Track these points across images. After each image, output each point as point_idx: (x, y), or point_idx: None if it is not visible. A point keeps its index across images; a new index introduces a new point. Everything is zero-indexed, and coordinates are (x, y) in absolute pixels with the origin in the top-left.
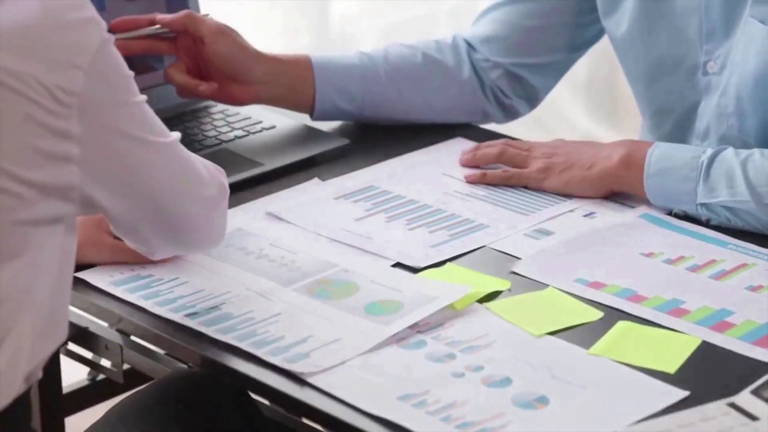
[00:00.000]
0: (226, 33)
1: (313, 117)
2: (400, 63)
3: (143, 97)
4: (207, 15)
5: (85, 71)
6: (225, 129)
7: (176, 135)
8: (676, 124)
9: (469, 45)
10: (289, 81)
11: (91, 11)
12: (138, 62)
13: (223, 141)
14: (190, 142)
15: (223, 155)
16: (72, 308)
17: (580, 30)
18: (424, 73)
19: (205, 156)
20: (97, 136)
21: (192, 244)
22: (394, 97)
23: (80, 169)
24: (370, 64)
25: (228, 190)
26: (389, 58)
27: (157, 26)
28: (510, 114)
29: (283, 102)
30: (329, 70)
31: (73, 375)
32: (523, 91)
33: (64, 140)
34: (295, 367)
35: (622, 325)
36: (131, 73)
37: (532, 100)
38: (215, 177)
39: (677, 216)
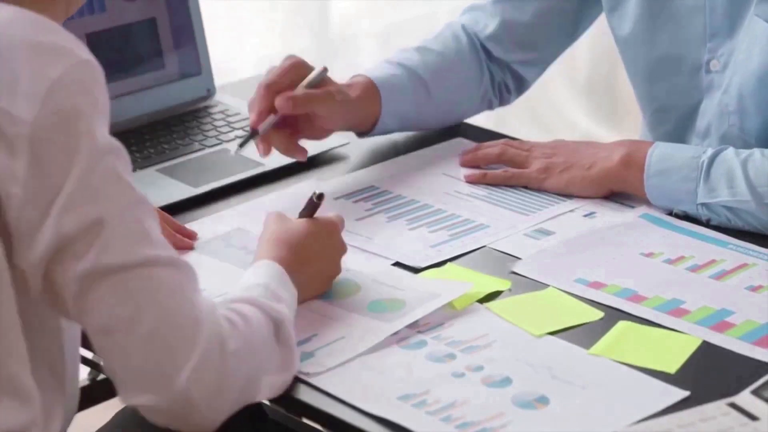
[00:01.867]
0: (337, 103)
1: (359, 137)
2: (440, 80)
3: (114, 146)
4: (324, 71)
5: (42, 102)
6: (225, 129)
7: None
8: (677, 123)
9: (480, 43)
10: (365, 116)
11: (62, 39)
12: (136, 62)
13: (223, 141)
14: (190, 142)
15: (223, 155)
16: None
17: (579, 21)
18: (459, 86)
19: (205, 156)
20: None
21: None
22: (434, 113)
23: (19, 216)
24: (420, 84)
25: (235, 351)
26: (432, 71)
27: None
28: (500, 105)
29: (344, 130)
30: (393, 100)
31: None
32: (518, 84)
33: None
34: (300, 367)
35: (622, 325)
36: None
37: (522, 90)
38: (214, 325)
39: (677, 216)
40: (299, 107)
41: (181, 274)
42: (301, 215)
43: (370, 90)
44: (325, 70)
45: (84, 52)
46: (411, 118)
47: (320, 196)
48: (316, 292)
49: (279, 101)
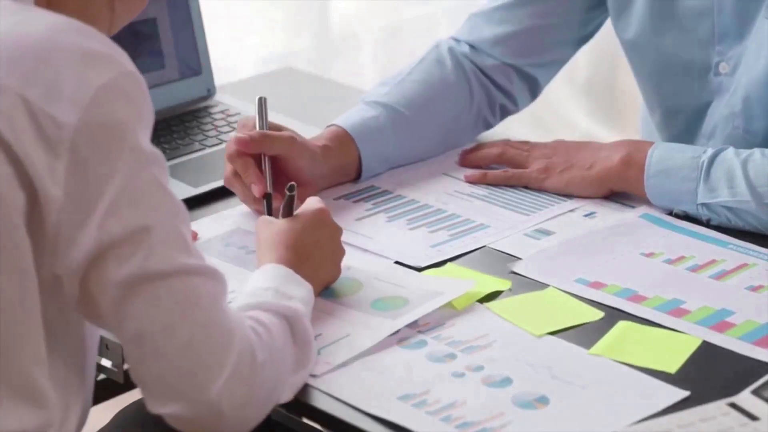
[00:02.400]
0: (298, 143)
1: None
2: (424, 112)
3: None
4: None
5: (85, 108)
6: (225, 129)
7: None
8: (686, 124)
9: (475, 51)
10: (341, 165)
11: (110, 48)
12: (137, 62)
13: (223, 141)
14: (190, 142)
15: (223, 155)
16: None
17: (587, 24)
18: (445, 114)
19: (205, 156)
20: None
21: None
22: (422, 147)
23: (59, 218)
24: (401, 121)
25: (263, 362)
26: (413, 104)
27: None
28: (502, 119)
29: (330, 184)
30: (371, 142)
31: None
32: (531, 88)
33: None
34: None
35: (622, 325)
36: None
37: (536, 93)
38: (244, 337)
39: (677, 216)
40: (256, 145)
41: (216, 284)
42: (283, 214)
43: (339, 138)
44: (260, 100)
45: (129, 64)
46: (398, 156)
47: (291, 188)
48: (329, 277)
49: (234, 143)
